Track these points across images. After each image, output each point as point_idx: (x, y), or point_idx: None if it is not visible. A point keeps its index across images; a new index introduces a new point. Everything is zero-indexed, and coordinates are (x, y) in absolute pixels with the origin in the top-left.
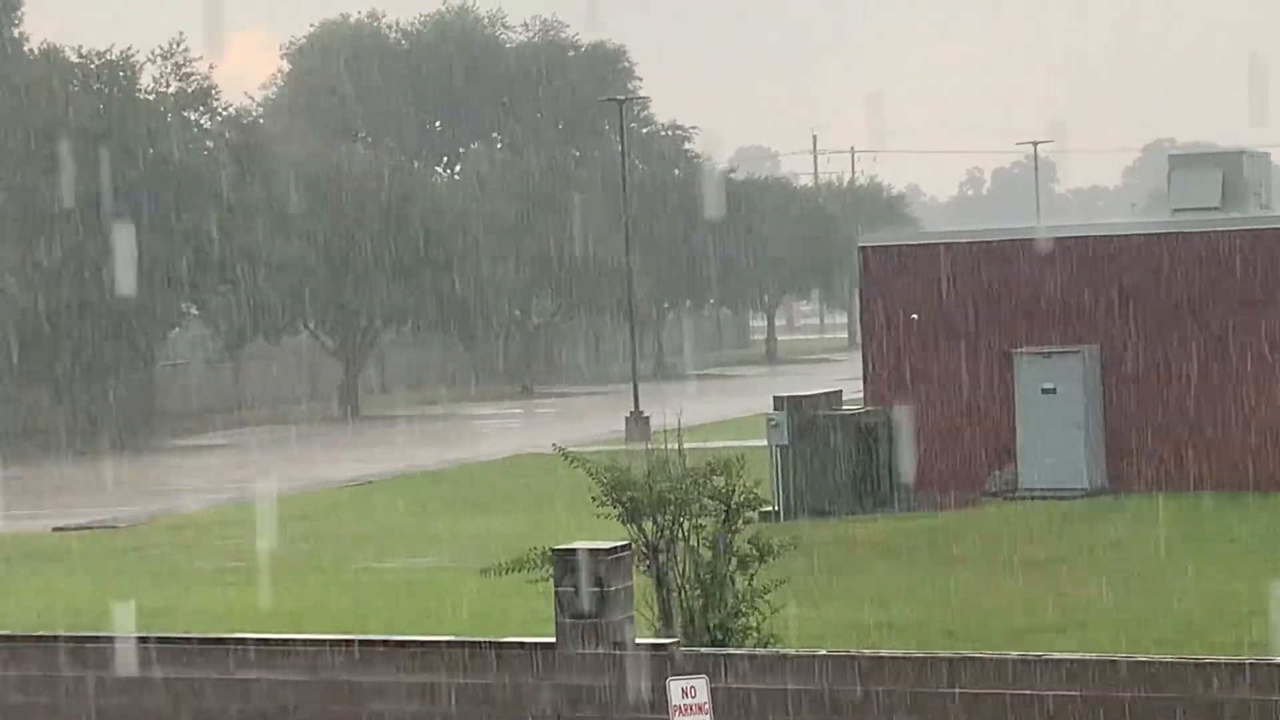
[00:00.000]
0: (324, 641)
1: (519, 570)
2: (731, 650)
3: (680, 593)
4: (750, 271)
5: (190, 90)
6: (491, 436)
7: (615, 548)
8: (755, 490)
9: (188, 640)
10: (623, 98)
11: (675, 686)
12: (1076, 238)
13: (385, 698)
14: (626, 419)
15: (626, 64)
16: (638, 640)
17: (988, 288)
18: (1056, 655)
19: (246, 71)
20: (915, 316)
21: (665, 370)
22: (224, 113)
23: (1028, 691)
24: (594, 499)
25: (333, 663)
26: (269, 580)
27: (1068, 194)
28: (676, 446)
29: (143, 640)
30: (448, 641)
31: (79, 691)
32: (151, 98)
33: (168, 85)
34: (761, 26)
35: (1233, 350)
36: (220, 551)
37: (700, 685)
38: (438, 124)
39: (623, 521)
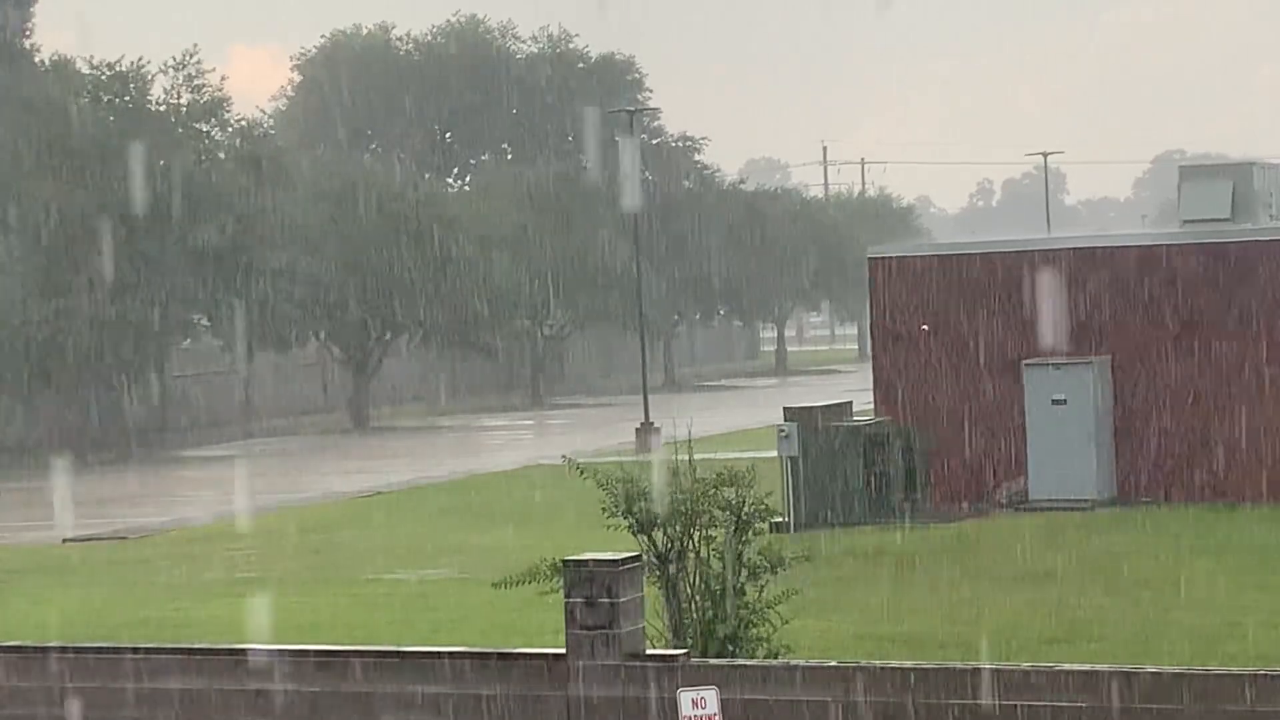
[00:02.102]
0: (335, 653)
1: (530, 582)
2: (742, 661)
3: (691, 604)
4: (760, 283)
5: (202, 102)
6: (502, 447)
7: (626, 559)
8: (766, 501)
9: (199, 651)
10: (633, 109)
11: (685, 697)
12: (1087, 249)
13: (396, 709)
14: (637, 430)
15: (636, 75)
16: (648, 651)
17: (998, 299)
18: (1068, 666)
19: (257, 83)
20: (926, 327)
21: (675, 381)
22: (235, 124)
23: (1039, 703)
24: (604, 510)
25: (344, 674)
26: (279, 591)
27: (1078, 205)
28: (687, 457)
29: (154, 651)
30: (458, 653)
31: (88, 703)
32: (163, 109)
33: (179, 97)
34: (772, 38)
35: (1244, 361)
36: (230, 563)
37: (710, 696)
38: (448, 135)
39: (633, 532)
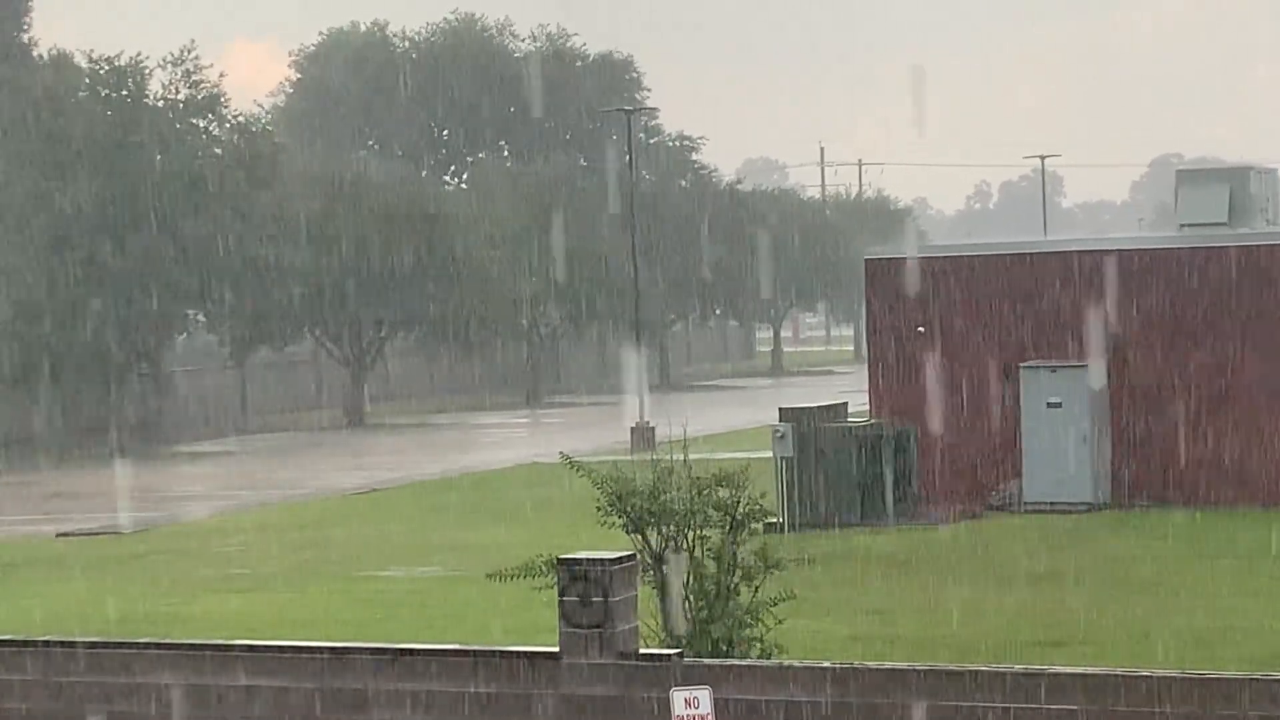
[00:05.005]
0: (328, 649)
1: (524, 578)
2: (735, 661)
3: (684, 603)
4: (757, 283)
5: (199, 97)
6: (497, 445)
7: (620, 558)
8: (760, 502)
9: (193, 647)
10: (630, 108)
11: (678, 697)
12: (1084, 252)
13: (389, 706)
14: (632, 429)
15: (634, 74)
16: (642, 651)
17: (994, 301)
18: (1060, 669)
19: (256, 79)
20: (922, 329)
21: (671, 381)
22: (233, 120)
23: (1032, 705)
24: (599, 509)
25: (337, 671)
26: (274, 587)
27: (1075, 208)
28: (682, 457)
29: (148, 646)
30: (452, 650)
31: (82, 697)
32: (160, 104)
33: (177, 92)
34: (770, 39)
35: (1239, 366)
36: (225, 558)
37: (703, 696)
38: (445, 133)
39: (627, 531)
